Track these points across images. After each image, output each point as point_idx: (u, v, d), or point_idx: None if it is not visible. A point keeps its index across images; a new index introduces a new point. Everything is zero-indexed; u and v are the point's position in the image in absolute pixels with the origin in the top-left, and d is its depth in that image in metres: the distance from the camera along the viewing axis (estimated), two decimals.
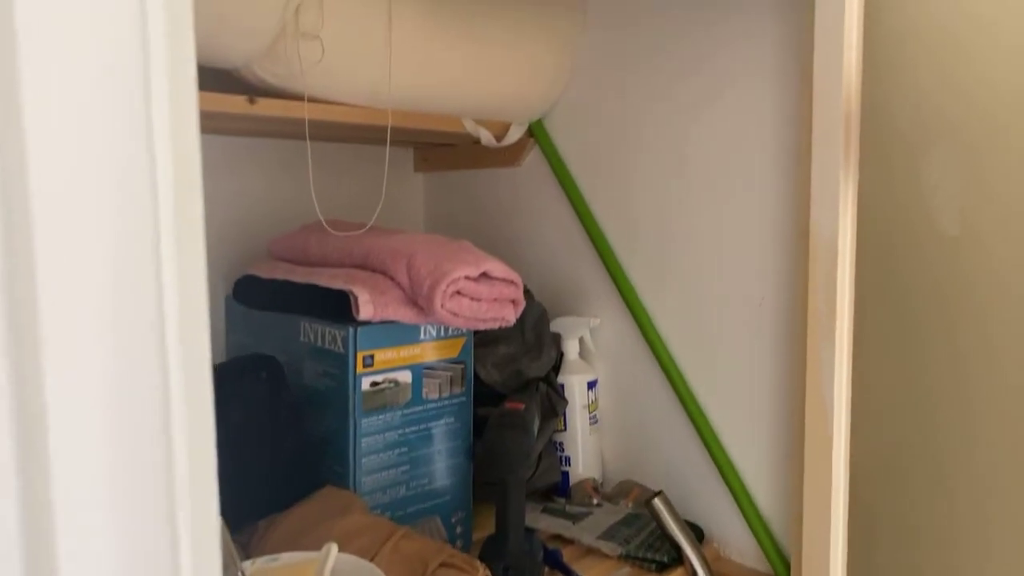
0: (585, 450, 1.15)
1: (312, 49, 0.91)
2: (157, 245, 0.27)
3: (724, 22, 1.00)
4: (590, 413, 1.15)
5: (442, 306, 0.88)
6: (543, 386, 1.09)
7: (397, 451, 0.93)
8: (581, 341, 1.16)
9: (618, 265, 1.13)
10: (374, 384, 0.90)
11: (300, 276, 0.97)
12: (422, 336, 0.94)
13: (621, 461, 1.17)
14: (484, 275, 0.93)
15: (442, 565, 0.78)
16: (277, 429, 0.90)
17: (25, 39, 0.24)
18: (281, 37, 0.89)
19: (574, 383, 1.14)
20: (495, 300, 0.94)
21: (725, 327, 1.02)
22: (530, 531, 0.93)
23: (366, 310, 0.87)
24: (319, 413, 0.93)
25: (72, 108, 0.25)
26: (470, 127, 1.17)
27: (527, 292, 1.07)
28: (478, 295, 0.91)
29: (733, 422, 1.02)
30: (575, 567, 0.95)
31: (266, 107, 0.93)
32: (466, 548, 0.99)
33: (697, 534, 1.02)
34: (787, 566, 0.97)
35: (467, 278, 0.90)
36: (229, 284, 1.11)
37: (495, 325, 0.95)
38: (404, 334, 0.92)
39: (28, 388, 0.25)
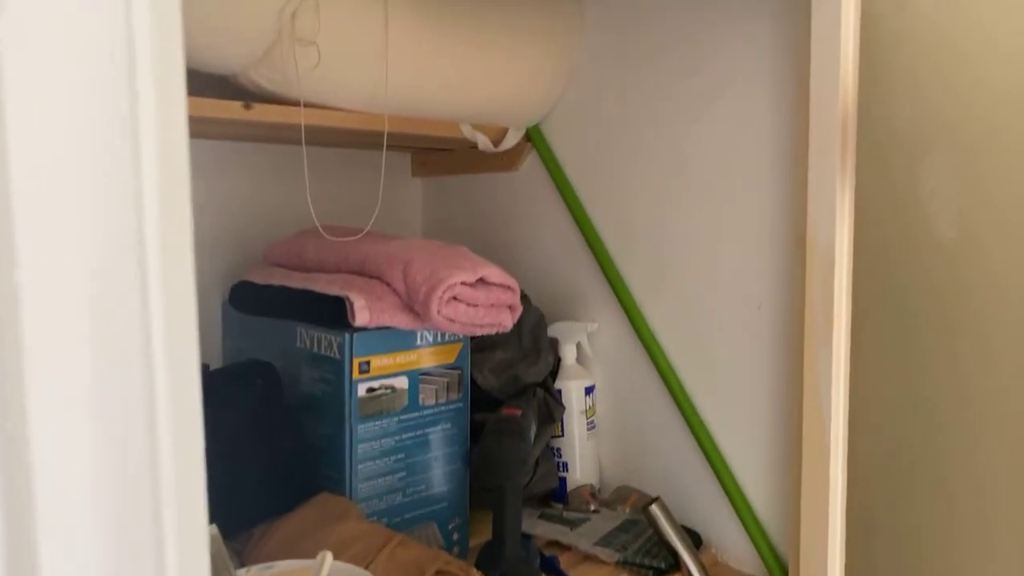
0: (582, 456, 1.14)
1: (308, 55, 0.91)
2: (143, 249, 0.27)
3: (721, 26, 1.00)
4: (587, 419, 1.14)
5: (438, 312, 0.87)
6: (540, 392, 1.09)
7: (393, 457, 0.93)
8: (578, 346, 1.16)
9: (616, 270, 1.13)
10: (370, 390, 0.90)
11: (296, 282, 0.97)
12: (418, 342, 0.94)
13: (618, 467, 1.16)
14: (481, 280, 0.92)
15: (438, 572, 0.77)
16: (273, 435, 0.90)
17: (7, 46, 0.24)
18: (277, 43, 0.89)
19: (571, 388, 1.14)
20: (492, 306, 0.93)
21: (723, 332, 1.02)
22: (527, 537, 0.92)
23: (362, 316, 0.87)
24: (315, 419, 0.93)
25: (55, 112, 0.25)
26: (467, 132, 1.17)
27: (524, 297, 1.07)
28: (475, 301, 0.91)
29: (731, 428, 1.02)
30: (572, 573, 0.94)
31: (262, 113, 0.93)
32: (463, 555, 0.99)
33: (695, 540, 1.02)
34: (785, 571, 0.96)
35: (464, 284, 0.90)
36: (225, 290, 1.10)
37: (492, 331, 0.95)
38: (400, 340, 0.92)
39: (8, 388, 0.25)
